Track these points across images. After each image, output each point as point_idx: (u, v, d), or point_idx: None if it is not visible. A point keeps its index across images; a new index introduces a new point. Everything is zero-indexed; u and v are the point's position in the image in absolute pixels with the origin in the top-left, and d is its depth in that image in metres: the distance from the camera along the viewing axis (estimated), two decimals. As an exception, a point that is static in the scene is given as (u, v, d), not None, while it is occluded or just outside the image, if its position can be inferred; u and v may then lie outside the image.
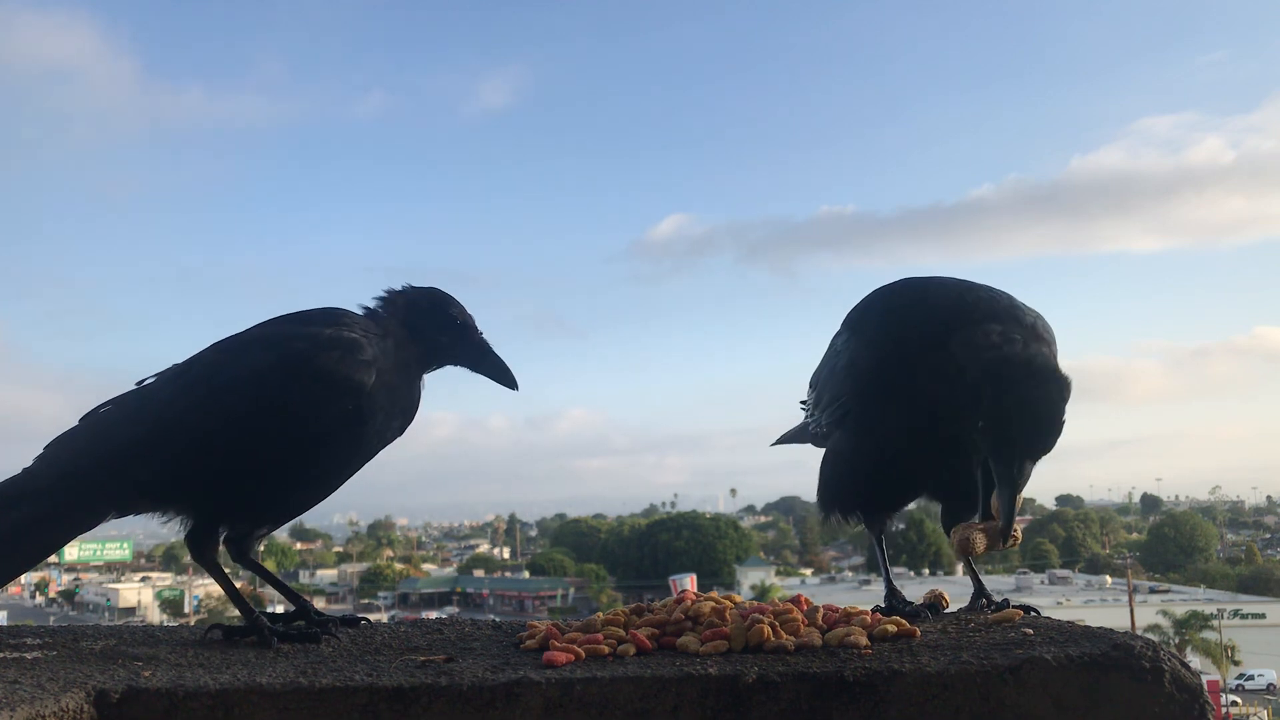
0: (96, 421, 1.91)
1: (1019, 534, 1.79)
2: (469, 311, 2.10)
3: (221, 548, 1.94)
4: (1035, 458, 1.78)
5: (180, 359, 1.96)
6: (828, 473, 2.16)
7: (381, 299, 2.05)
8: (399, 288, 2.08)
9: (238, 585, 2.03)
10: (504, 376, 2.12)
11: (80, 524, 1.84)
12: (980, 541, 1.80)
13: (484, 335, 2.11)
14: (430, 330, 2.04)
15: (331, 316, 1.95)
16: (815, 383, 2.24)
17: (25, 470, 1.85)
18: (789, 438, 2.53)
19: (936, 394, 1.86)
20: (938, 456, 1.96)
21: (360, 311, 2.02)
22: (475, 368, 2.11)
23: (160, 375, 1.95)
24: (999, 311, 1.90)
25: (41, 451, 1.88)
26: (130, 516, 1.91)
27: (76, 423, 1.93)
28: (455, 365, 2.11)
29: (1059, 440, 1.79)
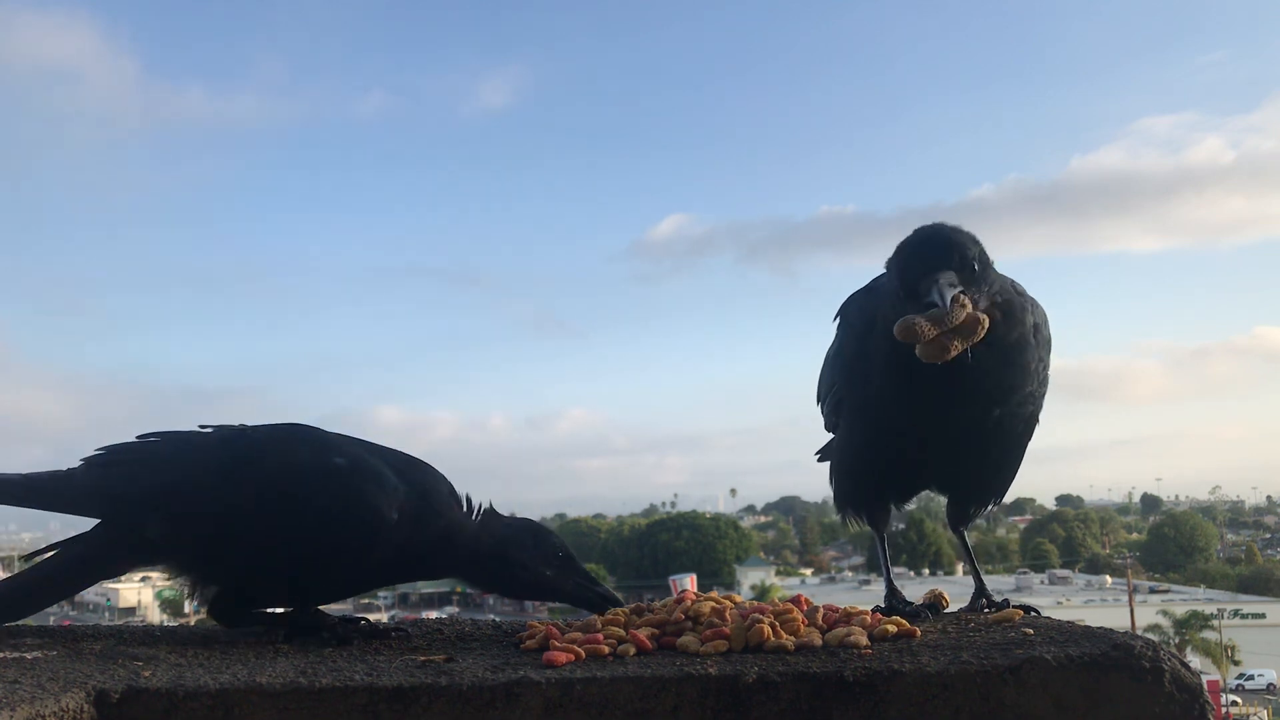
0: (151, 458, 1.92)
1: (984, 320, 1.72)
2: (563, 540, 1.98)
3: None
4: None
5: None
6: (833, 465, 2.16)
7: (485, 511, 1.98)
8: (507, 527, 1.97)
9: None
10: (594, 606, 1.91)
11: (104, 572, 1.91)
12: (925, 325, 1.70)
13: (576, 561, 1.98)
14: (525, 559, 1.93)
15: (408, 464, 1.93)
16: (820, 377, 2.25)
17: (69, 474, 1.88)
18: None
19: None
20: (937, 442, 1.96)
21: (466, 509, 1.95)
22: (564, 601, 1.96)
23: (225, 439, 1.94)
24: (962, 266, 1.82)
25: (89, 461, 1.90)
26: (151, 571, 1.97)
27: (134, 438, 1.95)
28: (547, 600, 2.01)
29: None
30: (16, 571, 2.00)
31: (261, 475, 1.85)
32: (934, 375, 1.77)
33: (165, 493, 1.85)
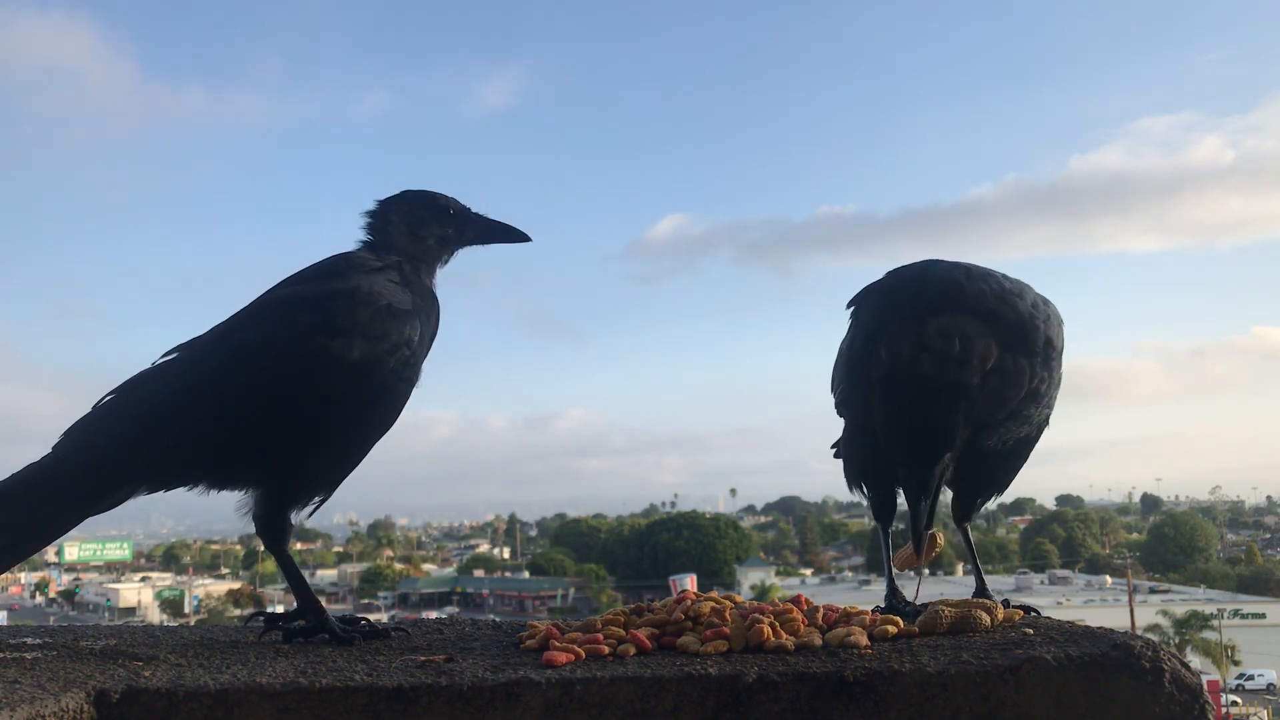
0: (115, 397, 1.86)
1: (940, 541, 1.83)
2: (451, 196, 2.13)
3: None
4: (908, 468, 1.80)
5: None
6: (842, 451, 2.18)
7: (374, 222, 2.07)
8: (384, 204, 2.09)
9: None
10: (513, 235, 2.18)
11: (100, 499, 1.79)
12: (900, 561, 1.89)
13: (473, 210, 2.15)
14: (433, 230, 2.08)
15: (354, 263, 1.93)
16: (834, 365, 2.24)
17: (46, 456, 1.82)
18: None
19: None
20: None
21: (362, 246, 2.04)
22: (485, 241, 2.17)
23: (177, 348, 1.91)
24: (975, 305, 1.82)
25: (60, 438, 1.85)
26: (162, 492, 1.85)
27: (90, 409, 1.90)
28: (465, 247, 2.16)
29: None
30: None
31: (271, 338, 1.80)
32: (923, 410, 1.78)
33: (176, 394, 1.80)
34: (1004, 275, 1.93)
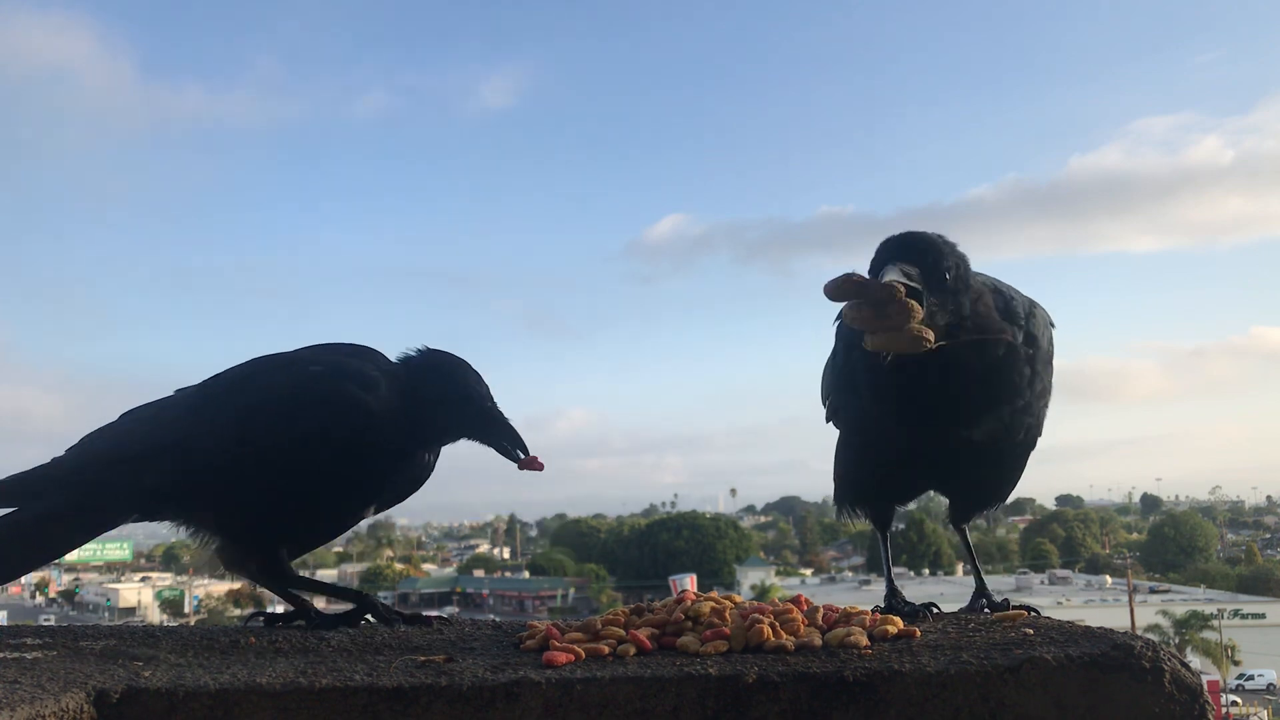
0: (128, 420, 1.93)
1: (925, 332, 1.69)
2: (482, 380, 2.04)
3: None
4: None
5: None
6: (835, 467, 2.16)
7: (402, 359, 2.03)
8: (416, 352, 2.04)
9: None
10: (511, 453, 2.03)
11: (95, 526, 1.84)
12: (851, 311, 1.71)
13: (493, 404, 2.04)
14: (435, 396, 1.99)
15: (358, 351, 1.98)
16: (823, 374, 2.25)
17: (55, 460, 1.86)
18: None
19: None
20: (929, 457, 1.96)
21: (390, 359, 2.02)
22: (483, 438, 2.04)
23: (200, 385, 1.97)
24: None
25: (77, 442, 1.90)
26: (153, 523, 1.92)
27: (118, 416, 1.95)
28: (466, 438, 2.06)
29: None
30: None
31: (243, 401, 1.87)
32: (911, 394, 1.79)
33: (168, 438, 1.85)
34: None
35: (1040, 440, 2.03)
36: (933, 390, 1.80)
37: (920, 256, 1.78)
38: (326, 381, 1.86)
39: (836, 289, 1.71)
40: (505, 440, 2.02)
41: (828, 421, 2.20)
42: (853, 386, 1.98)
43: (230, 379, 1.94)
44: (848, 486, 2.13)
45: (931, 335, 1.72)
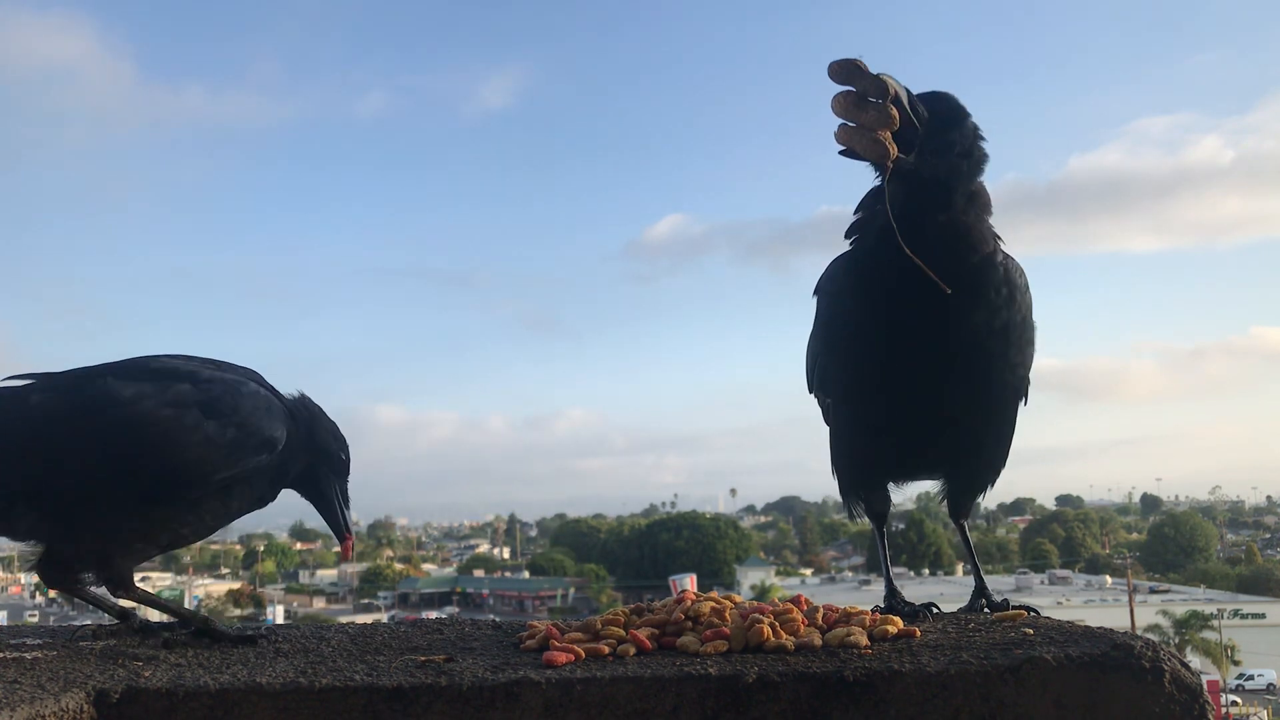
0: None
1: (890, 148, 1.79)
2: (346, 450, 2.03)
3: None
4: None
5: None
6: (832, 446, 2.12)
7: (293, 400, 1.99)
8: (300, 396, 2.01)
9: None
10: (337, 529, 2.02)
11: None
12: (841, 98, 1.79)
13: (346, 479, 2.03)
14: (319, 446, 1.97)
15: (253, 375, 1.94)
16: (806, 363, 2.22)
17: None
18: None
19: None
20: (926, 390, 1.92)
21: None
22: (317, 502, 2.01)
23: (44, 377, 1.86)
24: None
25: None
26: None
27: None
28: (305, 494, 2.02)
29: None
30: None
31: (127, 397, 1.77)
32: (903, 299, 1.83)
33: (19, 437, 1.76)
34: None
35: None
36: (915, 287, 1.82)
37: (935, 102, 1.87)
38: (244, 399, 1.82)
39: (839, 69, 1.77)
40: (339, 516, 2.01)
41: (812, 393, 2.15)
42: (844, 322, 1.99)
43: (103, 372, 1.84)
44: (844, 462, 2.09)
45: (894, 150, 1.78)
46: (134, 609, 1.92)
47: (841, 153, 1.82)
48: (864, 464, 2.08)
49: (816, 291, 2.09)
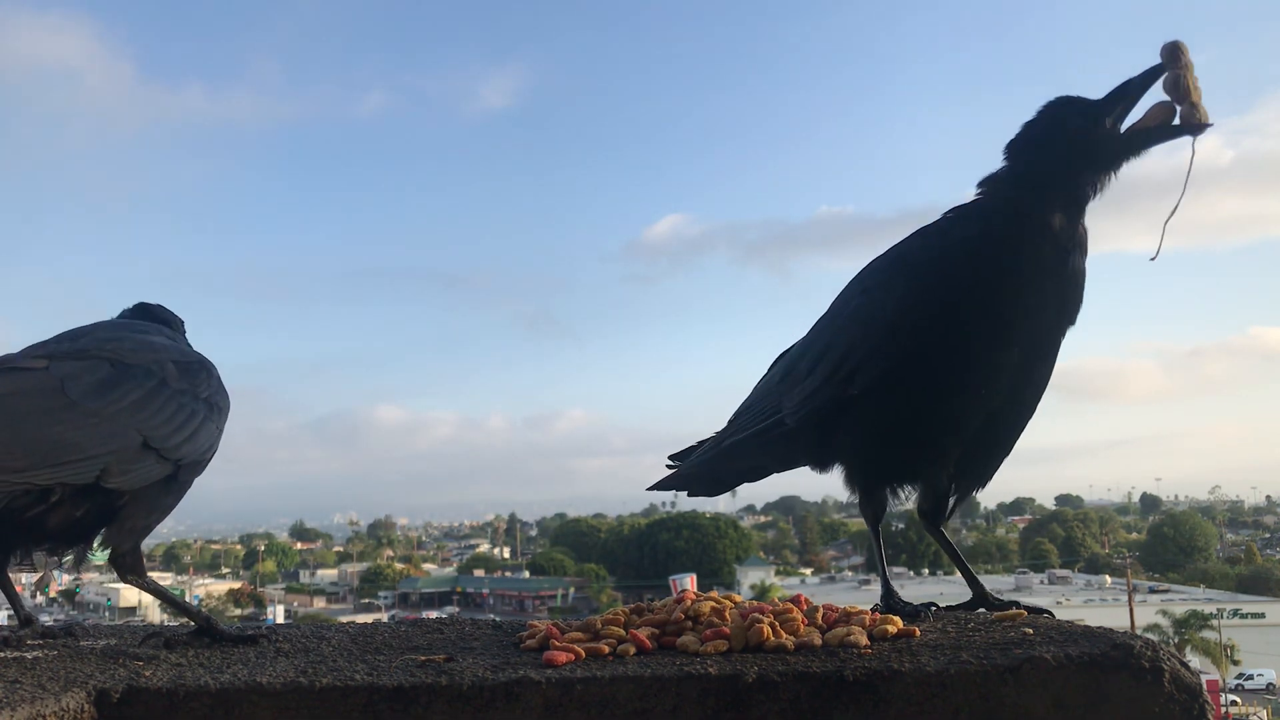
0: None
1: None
2: None
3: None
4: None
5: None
6: (857, 438, 1.96)
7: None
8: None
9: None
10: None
11: None
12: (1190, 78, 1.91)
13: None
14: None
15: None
16: (791, 367, 2.08)
17: None
18: (707, 459, 2.42)
19: None
20: (980, 410, 1.87)
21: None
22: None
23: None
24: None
25: None
26: None
27: None
28: None
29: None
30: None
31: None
32: (1033, 283, 1.83)
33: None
34: None
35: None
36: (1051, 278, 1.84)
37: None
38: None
39: (1173, 49, 1.90)
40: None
41: (842, 384, 1.93)
42: (929, 313, 1.85)
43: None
44: (870, 454, 1.96)
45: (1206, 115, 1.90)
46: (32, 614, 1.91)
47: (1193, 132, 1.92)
48: (893, 461, 1.97)
49: (860, 285, 1.99)
